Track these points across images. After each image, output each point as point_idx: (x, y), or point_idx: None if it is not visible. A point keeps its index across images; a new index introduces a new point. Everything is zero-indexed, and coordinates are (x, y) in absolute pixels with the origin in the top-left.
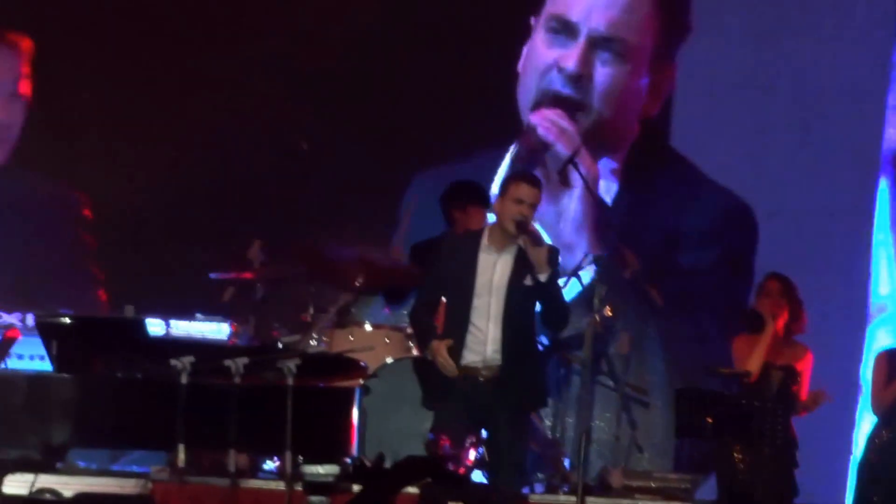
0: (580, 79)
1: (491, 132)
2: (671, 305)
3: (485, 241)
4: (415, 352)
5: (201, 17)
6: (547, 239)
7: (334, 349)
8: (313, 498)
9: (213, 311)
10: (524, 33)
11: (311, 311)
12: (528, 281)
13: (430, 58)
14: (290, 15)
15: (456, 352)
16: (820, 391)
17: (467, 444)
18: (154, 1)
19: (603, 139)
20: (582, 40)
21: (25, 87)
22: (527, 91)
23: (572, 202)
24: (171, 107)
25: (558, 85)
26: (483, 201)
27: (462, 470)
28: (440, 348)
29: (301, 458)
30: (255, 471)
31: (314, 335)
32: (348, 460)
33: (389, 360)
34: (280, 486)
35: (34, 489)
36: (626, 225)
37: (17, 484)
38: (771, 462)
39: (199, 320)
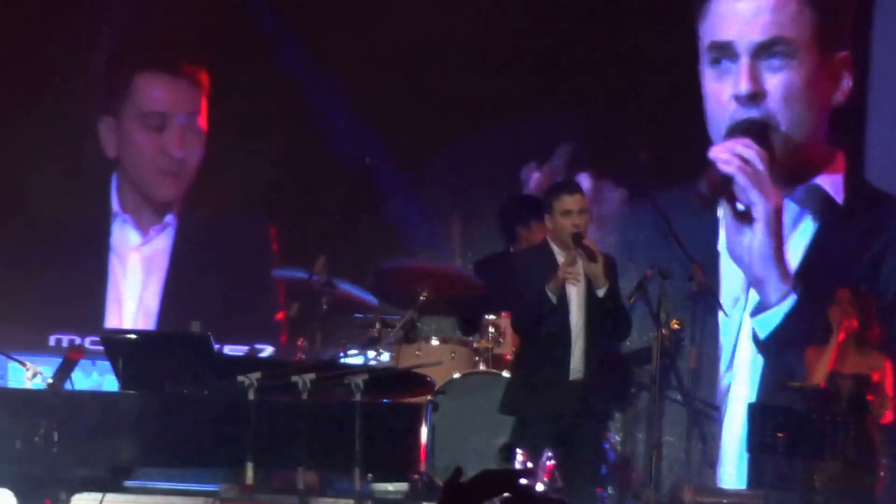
0: (755, 96)
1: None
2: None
3: (557, 255)
4: (482, 367)
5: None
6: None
7: (401, 364)
8: None
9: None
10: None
11: (378, 326)
12: (599, 292)
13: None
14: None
15: (554, 365)
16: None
17: (544, 459)
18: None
19: (797, 162)
20: (744, 58)
21: (203, 122)
22: (716, 129)
23: (756, 237)
24: (241, 121)
25: (740, 113)
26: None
27: (538, 484)
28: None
29: (370, 475)
30: (324, 489)
31: (381, 350)
32: (417, 477)
33: (457, 375)
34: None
35: None
36: (831, 260)
37: (85, 503)
38: (843, 474)
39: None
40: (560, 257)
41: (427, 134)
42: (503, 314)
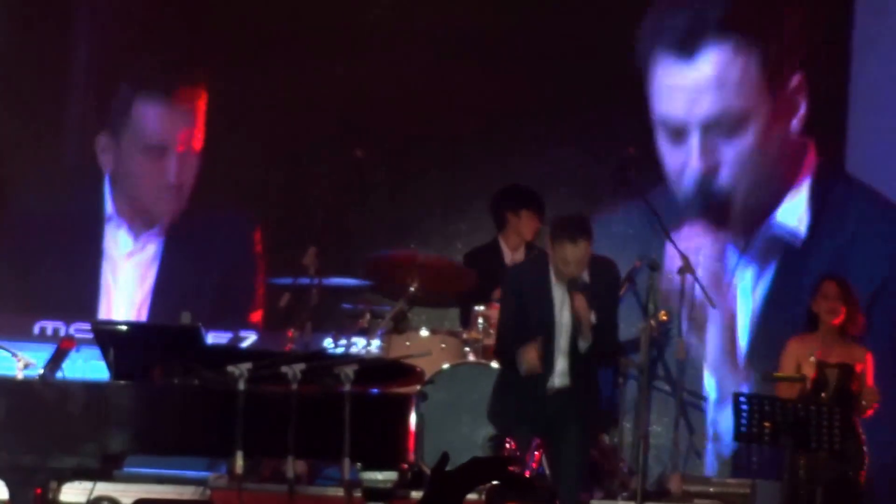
0: (710, 171)
1: None
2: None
3: (552, 276)
4: (471, 357)
5: (262, 34)
6: None
7: (391, 355)
8: None
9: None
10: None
11: (368, 317)
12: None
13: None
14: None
15: (537, 380)
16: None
17: (532, 447)
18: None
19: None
20: (695, 134)
21: (199, 144)
22: (678, 188)
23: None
24: (229, 113)
25: (694, 186)
26: (538, 208)
27: (527, 473)
28: (531, 354)
29: (359, 464)
30: (313, 478)
31: (371, 341)
32: (406, 467)
33: (446, 365)
34: (338, 492)
35: (92, 497)
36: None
37: (75, 492)
38: (829, 465)
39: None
40: (556, 287)
41: (417, 126)
42: (493, 305)
